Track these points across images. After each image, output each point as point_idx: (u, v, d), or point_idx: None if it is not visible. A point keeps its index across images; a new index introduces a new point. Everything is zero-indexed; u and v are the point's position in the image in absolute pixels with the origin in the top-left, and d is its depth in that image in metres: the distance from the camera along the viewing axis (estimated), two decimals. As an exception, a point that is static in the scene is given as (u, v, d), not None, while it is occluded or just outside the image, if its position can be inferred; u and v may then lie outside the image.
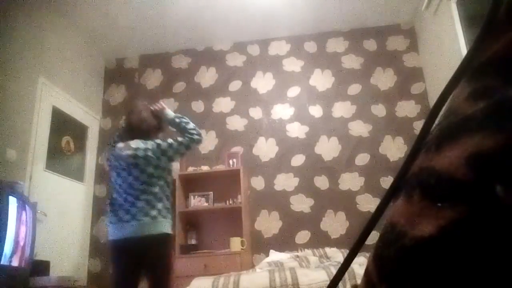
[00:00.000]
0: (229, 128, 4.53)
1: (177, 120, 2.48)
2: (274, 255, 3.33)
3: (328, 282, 2.15)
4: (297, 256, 3.19)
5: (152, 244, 2.21)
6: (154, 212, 2.22)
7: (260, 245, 4.06)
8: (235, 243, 3.70)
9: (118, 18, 4.23)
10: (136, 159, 2.30)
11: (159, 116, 2.51)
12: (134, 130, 2.44)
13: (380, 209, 0.30)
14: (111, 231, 2.26)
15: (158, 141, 2.40)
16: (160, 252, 2.25)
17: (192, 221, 4.12)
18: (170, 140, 2.40)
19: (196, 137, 2.41)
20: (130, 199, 2.24)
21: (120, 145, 2.41)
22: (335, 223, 4.04)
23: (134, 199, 2.24)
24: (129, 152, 2.32)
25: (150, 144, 2.36)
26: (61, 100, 4.04)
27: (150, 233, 2.19)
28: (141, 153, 2.31)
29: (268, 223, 4.15)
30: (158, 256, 2.24)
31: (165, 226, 2.27)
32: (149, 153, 2.32)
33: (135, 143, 2.36)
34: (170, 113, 2.53)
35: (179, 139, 2.41)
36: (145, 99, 2.59)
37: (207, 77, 4.76)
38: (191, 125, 2.46)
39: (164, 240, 2.26)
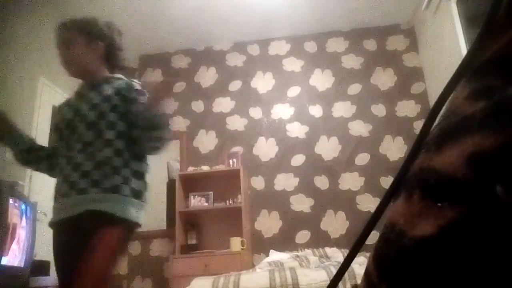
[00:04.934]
0: (229, 128, 4.53)
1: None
2: (274, 255, 3.33)
3: (328, 282, 2.15)
4: (297, 256, 3.19)
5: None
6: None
7: (260, 245, 4.06)
8: (235, 243, 3.70)
9: (118, 18, 4.22)
10: None
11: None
12: None
13: (380, 209, 0.30)
14: None
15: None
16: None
17: (192, 221, 4.12)
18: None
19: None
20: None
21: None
22: (335, 223, 4.04)
23: None
24: None
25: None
26: (61, 100, 4.03)
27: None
28: None
29: (268, 223, 4.14)
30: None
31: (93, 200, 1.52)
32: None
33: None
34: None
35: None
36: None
37: (207, 77, 4.75)
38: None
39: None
